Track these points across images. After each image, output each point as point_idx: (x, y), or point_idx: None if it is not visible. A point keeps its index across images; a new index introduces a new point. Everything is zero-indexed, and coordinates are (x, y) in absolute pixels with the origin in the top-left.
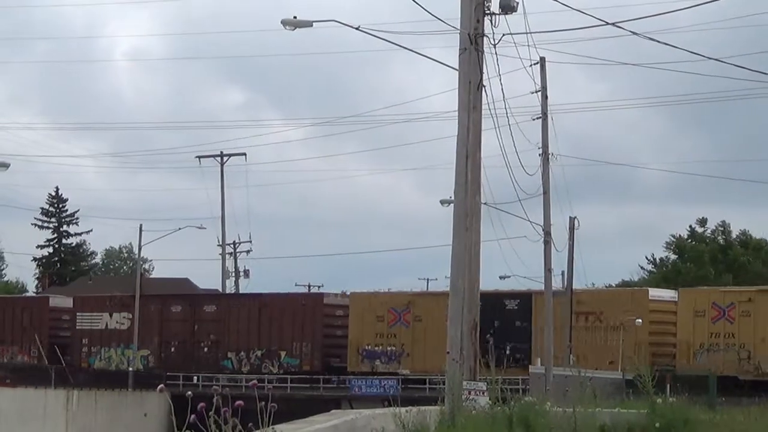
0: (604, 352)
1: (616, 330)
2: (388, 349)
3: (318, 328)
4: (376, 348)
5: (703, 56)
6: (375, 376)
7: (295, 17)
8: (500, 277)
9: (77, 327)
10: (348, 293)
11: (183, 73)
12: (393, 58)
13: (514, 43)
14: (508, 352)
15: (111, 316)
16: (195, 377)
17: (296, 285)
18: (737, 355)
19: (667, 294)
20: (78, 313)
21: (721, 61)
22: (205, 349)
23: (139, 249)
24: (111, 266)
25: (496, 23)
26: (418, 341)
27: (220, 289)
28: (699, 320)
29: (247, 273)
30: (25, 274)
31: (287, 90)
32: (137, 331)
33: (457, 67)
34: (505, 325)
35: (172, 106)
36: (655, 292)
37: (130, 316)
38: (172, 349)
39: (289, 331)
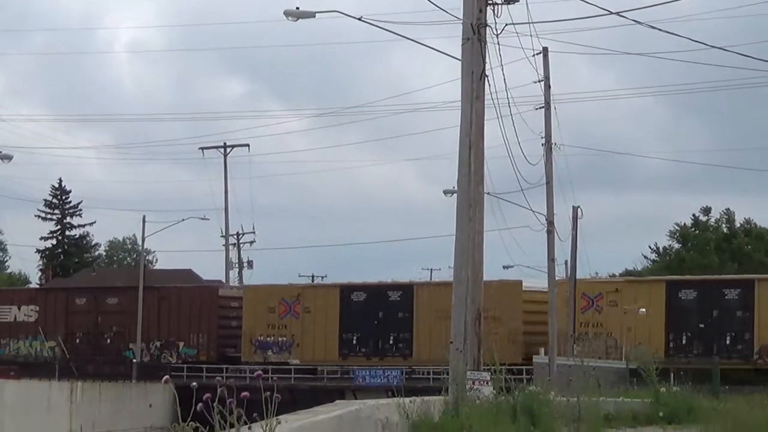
0: (482, 342)
1: (494, 321)
2: (279, 339)
3: (213, 319)
4: (268, 339)
5: (707, 45)
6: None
7: (297, 8)
8: (503, 267)
9: None
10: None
11: (183, 64)
12: (394, 48)
13: (517, 33)
14: (391, 342)
15: (19, 308)
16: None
17: (300, 276)
18: (605, 343)
19: (540, 285)
20: None
21: (725, 50)
22: (108, 340)
23: (143, 240)
24: (115, 258)
25: (499, 13)
26: (308, 332)
27: (224, 280)
28: (570, 310)
29: (250, 264)
30: (28, 266)
31: (288, 81)
32: (140, 324)
33: (460, 58)
34: (389, 316)
35: (173, 98)
36: (529, 283)
37: (37, 308)
38: (77, 341)
39: (186, 322)
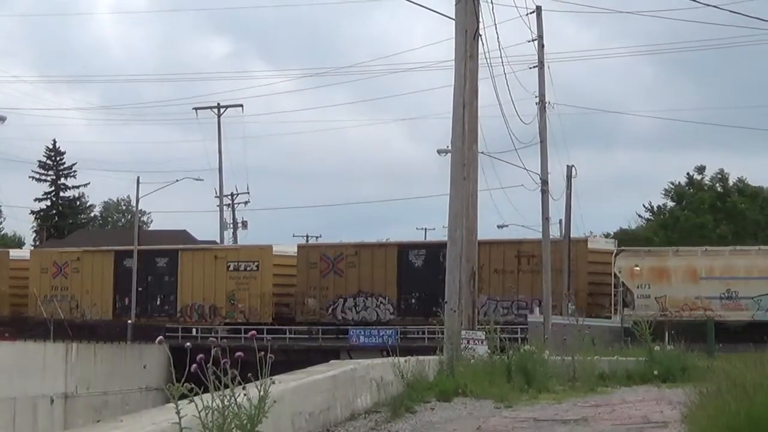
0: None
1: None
2: None
3: None
4: None
5: (700, 3)
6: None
7: None
8: (498, 227)
9: None
10: None
11: (167, 24)
12: (378, 8)
13: None
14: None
15: None
16: (194, 329)
17: (294, 236)
18: (69, 304)
19: (25, 254)
20: None
21: (717, 8)
22: None
23: (137, 201)
24: (109, 219)
25: None
26: None
27: (218, 241)
28: (44, 276)
29: (245, 224)
30: (22, 227)
31: (274, 41)
32: (135, 284)
33: (453, 16)
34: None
35: (158, 58)
36: (16, 253)
37: None
38: None
39: None
